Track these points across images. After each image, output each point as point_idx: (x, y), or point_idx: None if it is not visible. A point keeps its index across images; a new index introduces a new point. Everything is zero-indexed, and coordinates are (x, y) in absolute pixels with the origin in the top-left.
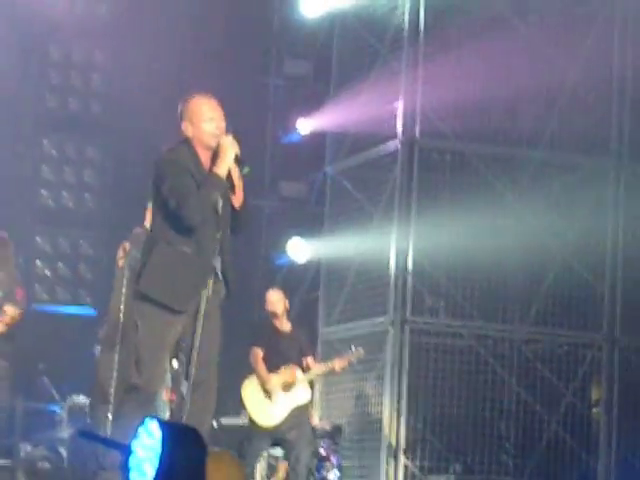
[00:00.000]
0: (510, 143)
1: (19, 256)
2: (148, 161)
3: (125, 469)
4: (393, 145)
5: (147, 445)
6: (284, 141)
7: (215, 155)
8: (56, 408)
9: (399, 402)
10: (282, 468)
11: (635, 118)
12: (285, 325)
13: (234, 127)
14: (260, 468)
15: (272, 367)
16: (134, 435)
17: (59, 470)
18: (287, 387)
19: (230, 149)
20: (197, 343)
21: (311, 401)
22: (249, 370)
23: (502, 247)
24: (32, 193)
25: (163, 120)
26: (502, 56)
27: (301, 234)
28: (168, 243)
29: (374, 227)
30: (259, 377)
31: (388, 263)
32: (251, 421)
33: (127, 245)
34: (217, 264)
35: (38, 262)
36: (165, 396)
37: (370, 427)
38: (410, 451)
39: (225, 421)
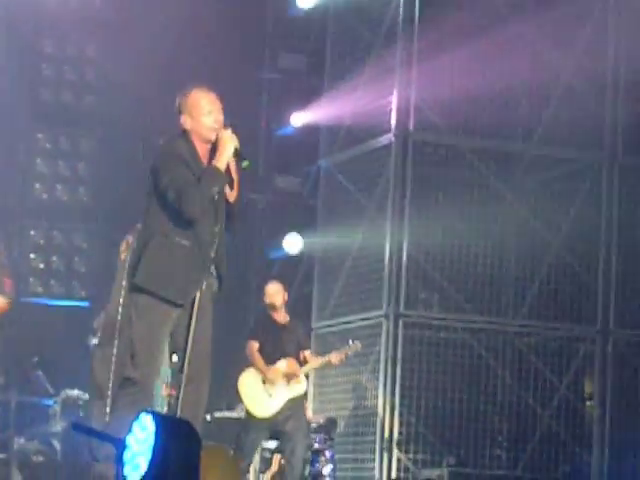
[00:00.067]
0: (504, 137)
1: (13, 249)
2: (142, 154)
3: (119, 463)
4: (387, 138)
5: (141, 438)
6: (278, 134)
7: (214, 148)
8: (50, 402)
9: (393, 395)
10: (276, 461)
11: (629, 112)
12: (283, 317)
13: (231, 121)
14: (254, 461)
15: (269, 359)
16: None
17: (53, 463)
18: (284, 379)
19: (230, 143)
20: (191, 337)
21: (306, 393)
22: (245, 363)
23: (495, 240)
24: (26, 186)
25: (157, 113)
26: (496, 50)
27: (295, 227)
28: (165, 236)
29: (368, 220)
30: (257, 369)
31: (382, 257)
32: (247, 413)
33: (130, 239)
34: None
35: (32, 255)
36: (164, 391)
37: (364, 420)
38: (404, 444)
39: (219, 415)
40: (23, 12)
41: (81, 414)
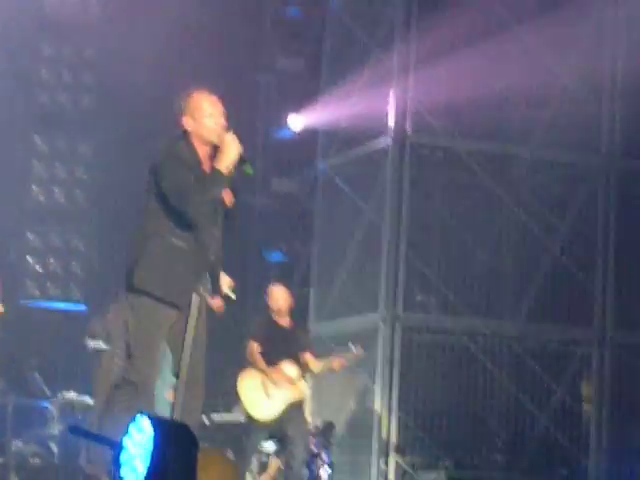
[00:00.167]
0: (502, 140)
1: (10, 252)
2: (140, 157)
3: (116, 465)
4: (384, 141)
5: (138, 441)
6: (276, 137)
7: (217, 151)
8: (47, 404)
9: (390, 398)
10: (274, 464)
11: (626, 115)
12: (285, 321)
13: (230, 125)
14: (252, 464)
15: (270, 362)
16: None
17: (50, 466)
18: (285, 382)
19: (234, 147)
20: (189, 340)
21: (306, 396)
22: (242, 364)
23: (493, 243)
24: (23, 189)
25: (155, 116)
26: (494, 53)
27: (292, 230)
28: (162, 237)
29: (365, 223)
30: (258, 369)
31: (379, 259)
32: (248, 416)
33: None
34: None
35: (29, 258)
36: (169, 396)
37: (361, 423)
38: (401, 447)
39: (217, 417)
40: (21, 14)
41: (78, 417)
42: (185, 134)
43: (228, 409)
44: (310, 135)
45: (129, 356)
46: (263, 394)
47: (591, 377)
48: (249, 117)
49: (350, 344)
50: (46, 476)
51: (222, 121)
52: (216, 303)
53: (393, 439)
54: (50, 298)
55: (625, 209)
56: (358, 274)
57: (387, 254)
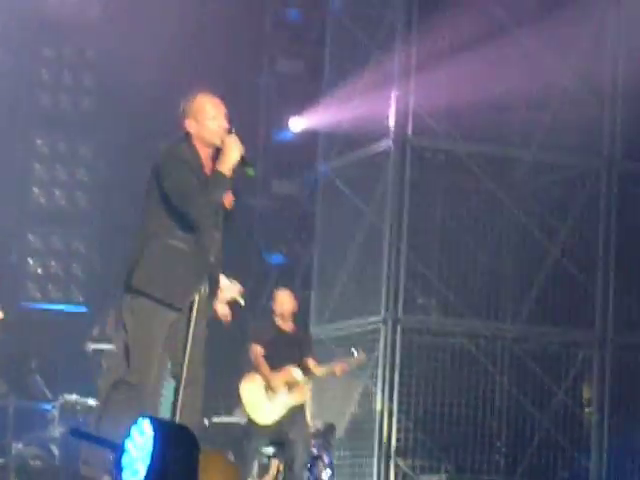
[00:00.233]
0: (502, 142)
1: (11, 254)
2: (140, 159)
3: (118, 469)
4: (385, 144)
5: (139, 444)
6: (276, 140)
7: (219, 153)
8: (48, 406)
9: (391, 401)
10: (274, 466)
11: (627, 118)
12: (288, 326)
13: (231, 126)
14: (253, 467)
15: (272, 366)
16: (124, 432)
17: (51, 468)
18: (288, 387)
19: (236, 149)
20: (190, 342)
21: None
22: (241, 367)
23: (494, 246)
24: (24, 191)
25: (155, 118)
26: (495, 55)
27: (293, 232)
28: (163, 239)
29: (366, 225)
30: (261, 374)
31: (380, 262)
32: (249, 419)
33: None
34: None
35: (30, 260)
36: None
37: (362, 426)
38: (402, 450)
39: (217, 420)
40: (22, 16)
41: (79, 419)
42: (187, 136)
43: (229, 412)
44: (311, 137)
45: (126, 357)
46: (265, 398)
47: (592, 379)
48: (250, 119)
49: (353, 349)
50: (47, 478)
51: (225, 124)
52: (223, 311)
53: (394, 442)
54: (51, 300)
55: (626, 211)
56: (359, 276)
57: (388, 256)
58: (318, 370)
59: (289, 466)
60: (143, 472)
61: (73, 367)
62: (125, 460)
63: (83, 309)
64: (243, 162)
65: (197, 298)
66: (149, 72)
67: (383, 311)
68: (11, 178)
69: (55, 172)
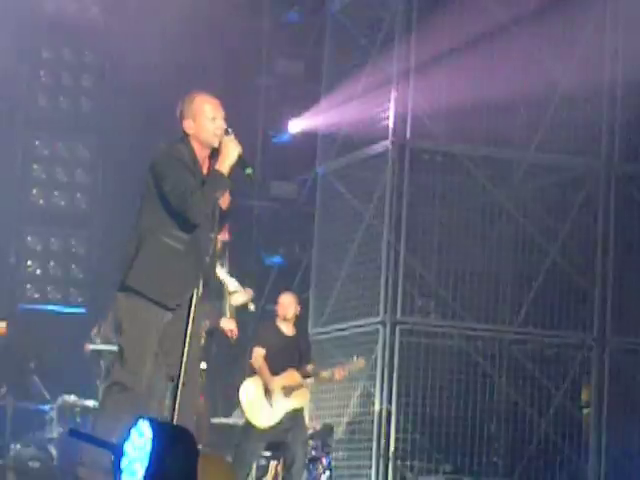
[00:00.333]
0: (501, 144)
1: (10, 255)
2: (139, 160)
3: (117, 470)
4: (384, 146)
5: (138, 445)
6: (275, 141)
7: (217, 154)
8: (46, 408)
9: (389, 403)
10: (273, 468)
11: (626, 120)
12: (290, 329)
13: (229, 127)
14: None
15: (273, 369)
16: (118, 433)
17: (49, 469)
18: (288, 391)
19: (234, 149)
20: (187, 344)
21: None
22: (240, 368)
23: (492, 248)
24: (23, 192)
25: (155, 119)
26: (494, 57)
27: (291, 234)
28: (158, 238)
29: (365, 227)
30: (262, 377)
31: (379, 263)
32: (247, 422)
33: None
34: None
35: (29, 261)
36: None
37: (361, 427)
38: (400, 452)
39: (216, 421)
40: (21, 18)
41: (78, 420)
42: (185, 137)
43: (228, 414)
44: (310, 139)
45: (120, 357)
46: (264, 401)
47: (590, 381)
48: (249, 121)
49: (355, 357)
50: (45, 479)
51: (223, 125)
52: (229, 326)
53: (392, 443)
54: (50, 301)
55: (624, 213)
56: (357, 278)
57: (386, 258)
58: (318, 375)
59: (287, 468)
60: (141, 473)
61: (72, 368)
62: (124, 462)
63: (82, 310)
64: (241, 162)
65: (194, 299)
66: (148, 74)
67: (381, 313)
68: (10, 179)
69: (54, 173)
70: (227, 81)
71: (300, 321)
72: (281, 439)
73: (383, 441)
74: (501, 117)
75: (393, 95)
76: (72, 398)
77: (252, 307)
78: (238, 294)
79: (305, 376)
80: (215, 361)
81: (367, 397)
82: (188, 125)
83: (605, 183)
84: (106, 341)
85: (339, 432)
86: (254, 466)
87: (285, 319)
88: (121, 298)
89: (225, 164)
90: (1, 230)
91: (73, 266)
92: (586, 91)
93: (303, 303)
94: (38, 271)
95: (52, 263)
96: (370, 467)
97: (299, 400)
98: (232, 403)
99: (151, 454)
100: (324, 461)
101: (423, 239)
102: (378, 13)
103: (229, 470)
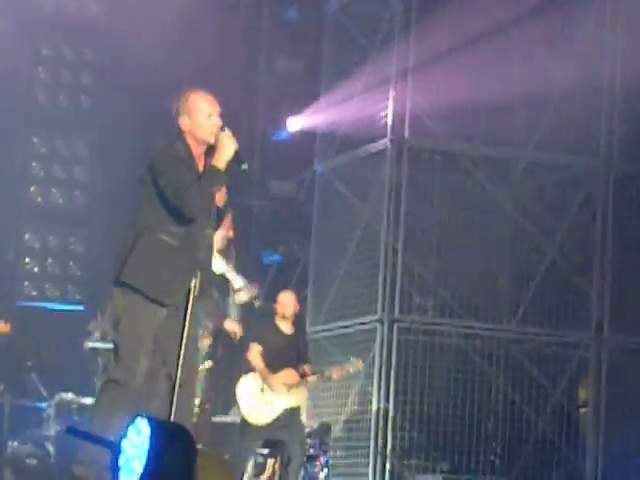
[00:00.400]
0: (500, 143)
1: (8, 252)
2: (138, 159)
3: (115, 468)
4: (382, 144)
5: (136, 443)
6: (274, 139)
7: (213, 151)
8: (44, 405)
9: (387, 401)
10: (270, 466)
11: (624, 118)
12: (288, 328)
13: (226, 125)
14: (249, 466)
15: (269, 367)
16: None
17: (46, 467)
18: (285, 389)
19: (230, 144)
20: (185, 341)
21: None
22: (238, 366)
23: (490, 246)
24: (22, 190)
25: (153, 117)
26: (492, 56)
27: (290, 232)
28: (154, 234)
29: (363, 225)
30: (260, 374)
31: (377, 262)
32: (243, 419)
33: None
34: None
35: (27, 259)
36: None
37: (358, 426)
38: (398, 450)
39: (215, 420)
40: (21, 16)
41: (75, 417)
42: (181, 134)
43: (226, 412)
44: (308, 137)
45: (115, 354)
46: (261, 399)
47: (588, 380)
48: (248, 119)
49: (352, 358)
50: (42, 477)
51: (219, 121)
52: (233, 328)
53: (390, 442)
54: (48, 299)
55: (622, 212)
56: (355, 276)
57: (385, 256)
58: (315, 375)
59: (284, 467)
60: (140, 471)
61: (69, 366)
62: (121, 459)
63: (80, 308)
64: (237, 158)
65: (191, 296)
66: (147, 72)
67: (379, 311)
68: (8, 177)
69: (52, 171)
70: (226, 79)
71: (299, 320)
72: (278, 437)
73: (380, 439)
74: (500, 116)
75: (392, 94)
76: (70, 396)
77: (258, 304)
78: (243, 292)
79: (302, 375)
80: (218, 361)
81: (365, 395)
82: (184, 122)
83: (604, 182)
84: (104, 337)
85: (337, 430)
86: (251, 463)
87: (284, 317)
88: (117, 294)
89: (221, 159)
90: None
91: (71, 264)
92: (585, 90)
93: (301, 301)
94: (36, 269)
95: (50, 261)
96: (367, 465)
97: (296, 399)
98: (231, 401)
99: (149, 452)
100: (322, 459)
101: (421, 238)
102: (377, 12)
103: (228, 468)
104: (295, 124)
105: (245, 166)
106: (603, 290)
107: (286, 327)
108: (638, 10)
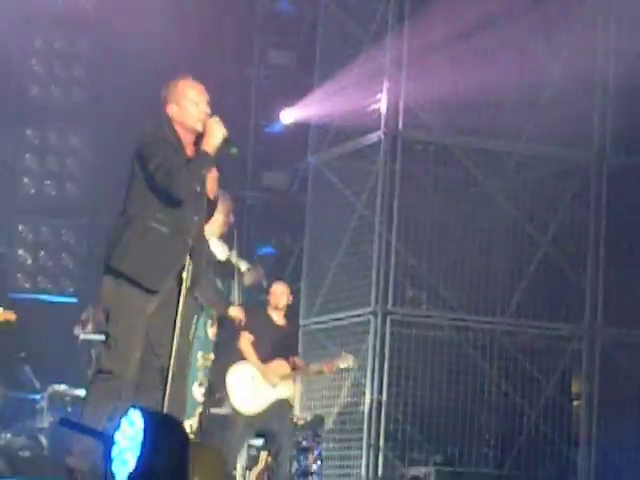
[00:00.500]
0: (493, 136)
1: (1, 244)
2: (130, 150)
3: (107, 460)
4: (376, 136)
5: (129, 434)
6: (267, 131)
7: (202, 135)
8: (37, 397)
9: (380, 393)
10: (263, 458)
11: (617, 111)
12: (281, 319)
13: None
14: (241, 459)
15: (261, 357)
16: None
17: (40, 459)
18: (275, 379)
19: (219, 130)
20: (177, 332)
21: (292, 396)
22: (230, 357)
23: (484, 239)
24: (14, 182)
25: (145, 109)
26: (486, 49)
27: (283, 224)
28: (143, 221)
29: (356, 218)
30: (251, 364)
31: (370, 254)
32: (233, 409)
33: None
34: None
35: (20, 251)
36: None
37: (351, 418)
38: (391, 442)
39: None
40: (12, 7)
41: (68, 409)
42: (169, 121)
43: (219, 404)
44: (302, 129)
45: (107, 343)
46: (251, 388)
47: (581, 373)
48: (241, 111)
49: (344, 353)
50: (35, 468)
51: (206, 109)
52: (237, 315)
53: (383, 434)
54: (41, 291)
55: (616, 204)
56: (349, 268)
57: (378, 249)
58: (307, 368)
59: (275, 459)
60: (133, 463)
61: (62, 358)
62: (114, 451)
63: (73, 300)
64: (226, 142)
65: (183, 287)
66: (140, 64)
67: (373, 303)
68: (1, 169)
69: (45, 163)
70: (219, 72)
71: (290, 312)
72: (267, 428)
73: (374, 431)
74: (493, 108)
75: (386, 86)
76: (62, 387)
77: (265, 284)
78: (249, 273)
79: (293, 368)
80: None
81: (358, 387)
82: (172, 109)
83: (597, 175)
84: (97, 328)
85: (330, 422)
86: (244, 456)
87: (277, 308)
88: (107, 281)
89: (210, 144)
90: None
91: (64, 255)
92: (578, 83)
93: (294, 293)
94: (29, 260)
95: (43, 253)
96: (361, 457)
97: (286, 391)
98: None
99: (143, 444)
100: (315, 451)
101: (415, 230)
102: (371, 3)
103: (220, 459)
104: (289, 116)
105: (234, 150)
106: (596, 283)
107: (278, 318)
108: (631, 4)
